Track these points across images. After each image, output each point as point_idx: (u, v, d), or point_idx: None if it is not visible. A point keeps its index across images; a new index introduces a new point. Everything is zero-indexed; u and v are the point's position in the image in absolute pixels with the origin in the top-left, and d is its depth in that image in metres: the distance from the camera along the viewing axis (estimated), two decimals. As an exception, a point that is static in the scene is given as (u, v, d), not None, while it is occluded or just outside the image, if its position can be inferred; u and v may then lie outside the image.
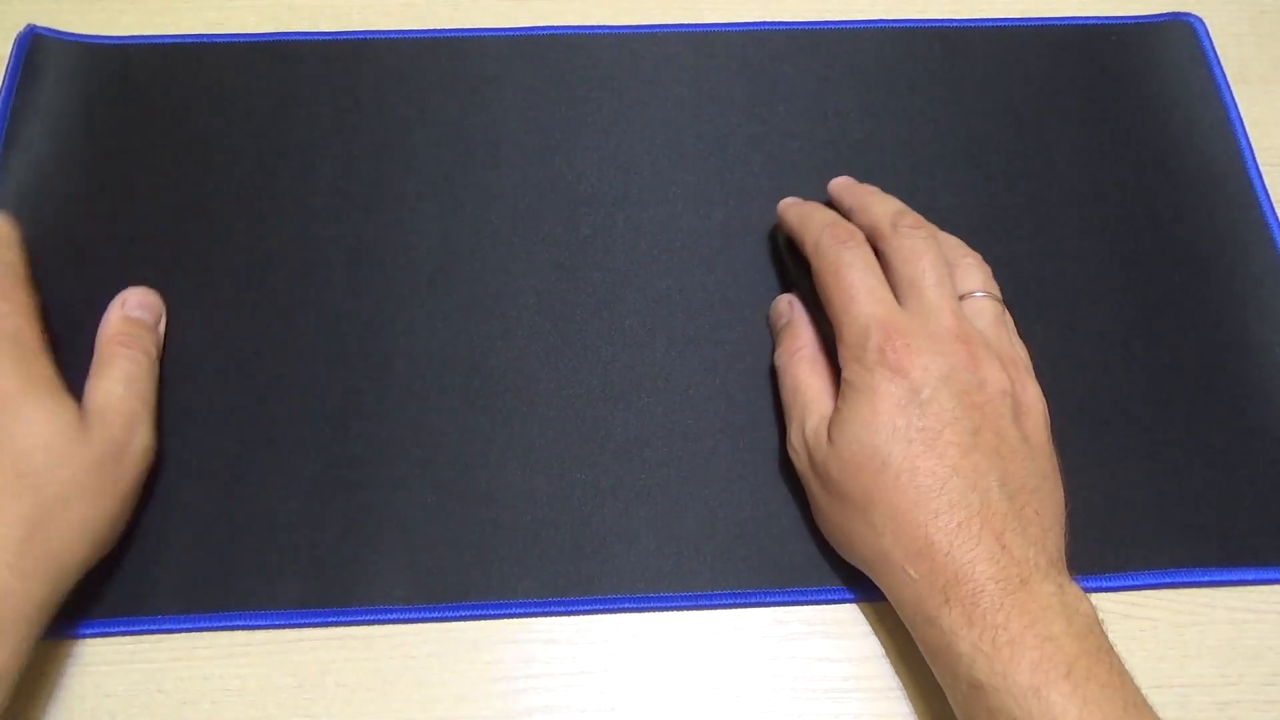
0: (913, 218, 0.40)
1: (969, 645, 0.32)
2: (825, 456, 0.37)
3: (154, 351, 0.41)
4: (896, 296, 0.38)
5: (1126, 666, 0.33)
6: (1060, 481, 0.37)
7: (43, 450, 0.35)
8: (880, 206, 0.41)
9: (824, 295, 0.39)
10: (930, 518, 0.34)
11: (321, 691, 0.37)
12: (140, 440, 0.38)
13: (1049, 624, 0.32)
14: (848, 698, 0.37)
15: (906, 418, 0.35)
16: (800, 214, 0.42)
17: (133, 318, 0.41)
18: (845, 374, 0.37)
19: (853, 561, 0.38)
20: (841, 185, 0.44)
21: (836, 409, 0.37)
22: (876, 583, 0.36)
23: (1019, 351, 0.39)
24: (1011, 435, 0.36)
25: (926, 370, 0.35)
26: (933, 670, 0.35)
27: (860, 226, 0.40)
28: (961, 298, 0.39)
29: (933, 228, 0.40)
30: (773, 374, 0.42)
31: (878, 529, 0.35)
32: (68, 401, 0.37)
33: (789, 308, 0.42)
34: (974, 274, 0.40)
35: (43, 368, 0.37)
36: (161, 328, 0.42)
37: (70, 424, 0.36)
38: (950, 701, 0.34)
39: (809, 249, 0.40)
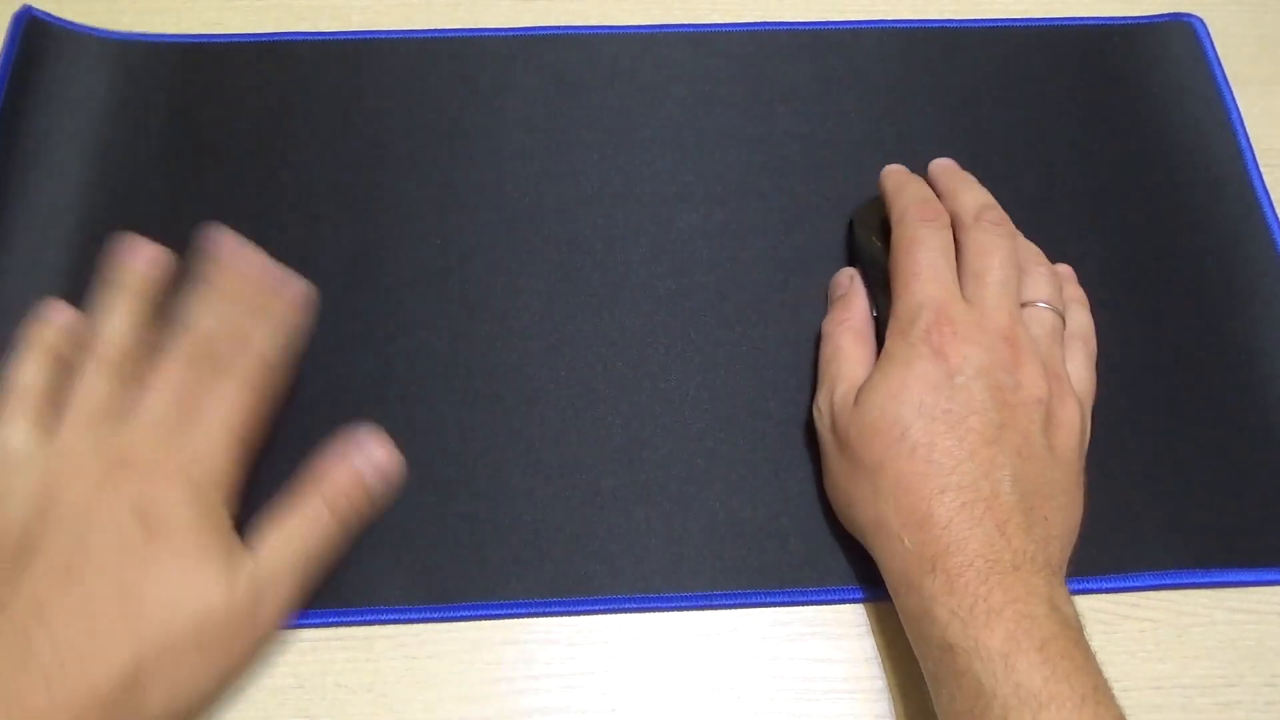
0: (996, 214, 0.40)
1: (946, 611, 0.32)
2: (848, 420, 0.37)
3: (355, 523, 0.36)
4: (961, 286, 0.38)
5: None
6: (1080, 502, 0.36)
7: (174, 590, 0.31)
8: (968, 196, 0.41)
9: (893, 265, 0.39)
10: (936, 492, 0.34)
11: (321, 692, 0.37)
12: (280, 614, 0.34)
13: (1031, 605, 0.32)
14: (848, 698, 0.37)
15: (935, 397, 0.35)
16: (898, 182, 0.42)
17: (363, 479, 0.36)
18: (887, 345, 0.37)
19: (850, 526, 0.38)
20: (940, 167, 0.44)
21: (869, 377, 0.37)
22: (869, 548, 0.37)
23: (1073, 370, 0.39)
24: (1037, 441, 0.35)
25: (966, 359, 0.36)
26: (909, 639, 0.35)
27: (946, 212, 0.41)
28: (1025, 304, 0.39)
29: (1014, 228, 0.40)
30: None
31: (881, 494, 0.35)
32: (230, 541, 0.33)
33: (849, 281, 0.42)
34: (1042, 284, 0.40)
35: (222, 509, 0.34)
36: (383, 498, 0.37)
37: (220, 570, 0.32)
38: (922, 670, 0.34)
39: (894, 217, 0.41)
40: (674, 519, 0.40)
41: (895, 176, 0.43)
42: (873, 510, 0.36)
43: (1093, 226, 0.46)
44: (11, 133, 0.45)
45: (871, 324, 0.40)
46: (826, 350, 0.40)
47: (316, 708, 0.36)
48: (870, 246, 0.43)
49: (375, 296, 0.43)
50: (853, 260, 0.44)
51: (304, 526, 0.34)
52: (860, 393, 0.37)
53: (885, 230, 0.42)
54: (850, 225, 0.45)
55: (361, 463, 0.36)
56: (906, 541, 0.34)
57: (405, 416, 0.41)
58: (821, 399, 0.39)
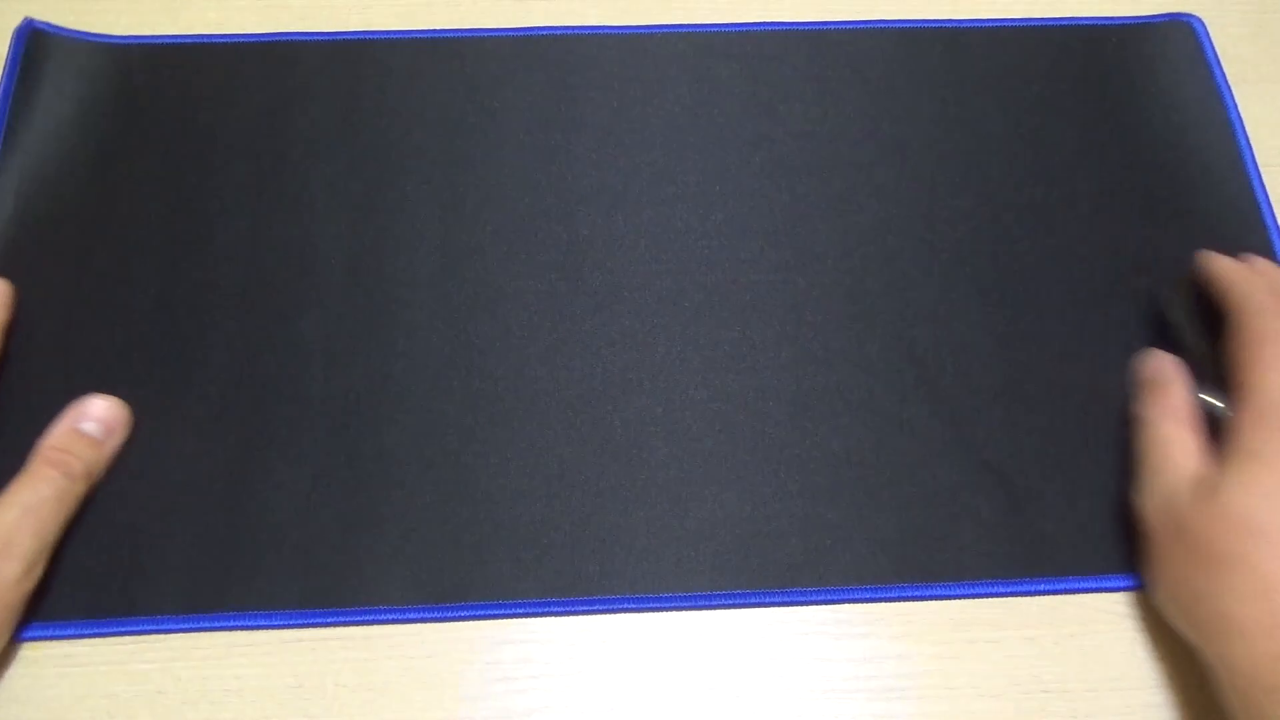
0: None
1: None
2: (1192, 511, 0.36)
3: (86, 473, 0.38)
4: None
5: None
6: None
7: None
8: None
9: (1241, 355, 0.38)
10: None
11: (321, 691, 0.37)
12: (11, 573, 0.35)
13: None
14: (848, 698, 0.37)
15: None
16: (1234, 270, 0.41)
17: (79, 431, 0.39)
18: (1240, 438, 0.36)
19: (1178, 617, 0.37)
20: (1264, 263, 0.42)
21: (1221, 468, 0.36)
22: (1199, 643, 0.36)
23: None
24: None
25: None
26: None
27: None
28: None
29: None
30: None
31: (1235, 592, 0.34)
32: None
33: (1170, 367, 0.41)
34: None
35: None
36: (115, 442, 0.40)
37: None
38: None
39: (1236, 305, 0.39)
40: (673, 519, 0.40)
41: (1225, 263, 0.42)
42: (1217, 606, 0.34)
43: (1093, 225, 0.46)
44: (16, 140, 0.45)
45: (1196, 412, 0.39)
46: (1154, 436, 0.39)
47: (316, 708, 0.37)
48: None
49: (375, 296, 0.43)
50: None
51: (25, 487, 0.37)
52: (1212, 485, 0.36)
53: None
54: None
55: (75, 418, 0.40)
56: (1263, 643, 0.33)
57: (405, 417, 0.41)
58: (1151, 487, 0.38)
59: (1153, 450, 0.39)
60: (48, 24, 0.48)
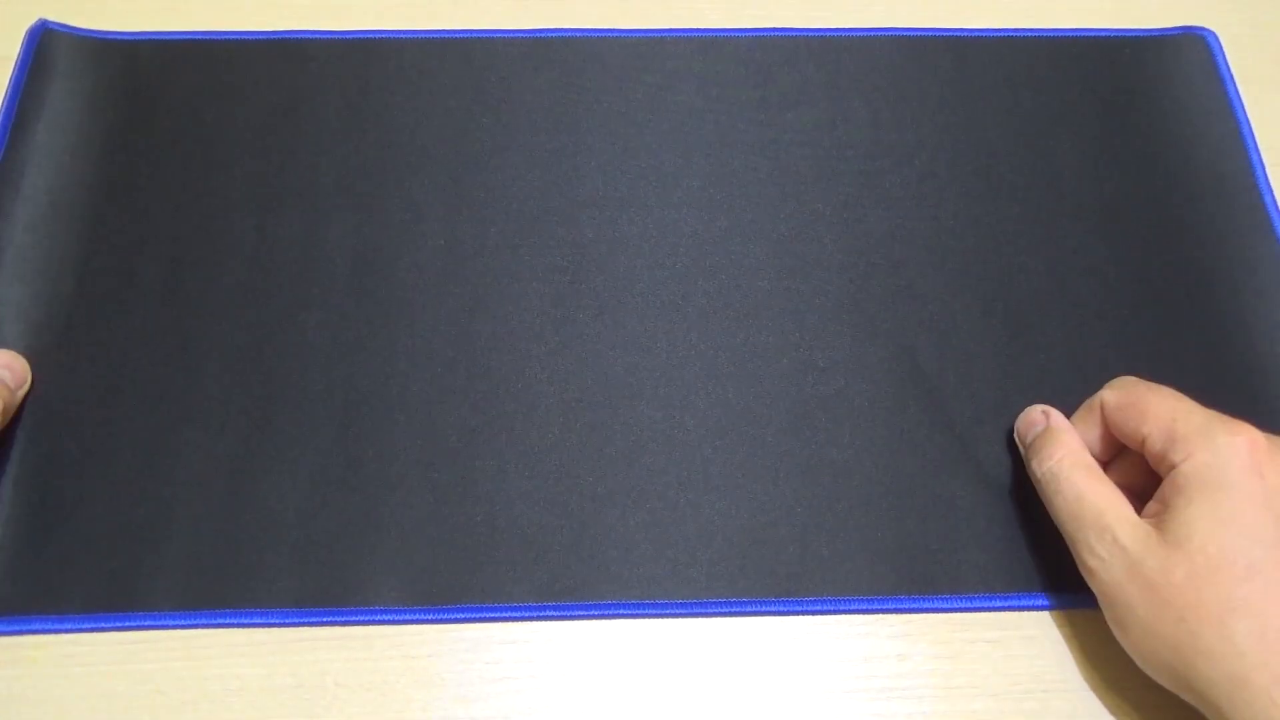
0: None
1: None
2: (1161, 562, 0.33)
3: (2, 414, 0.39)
4: None
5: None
6: None
7: None
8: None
9: (1134, 411, 0.36)
10: None
11: (321, 691, 0.37)
12: None
13: None
14: (848, 699, 0.37)
15: (1271, 520, 0.32)
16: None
17: None
18: (1184, 468, 0.34)
19: (1176, 681, 0.33)
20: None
21: (1172, 507, 0.33)
22: (1208, 705, 0.32)
23: None
24: None
25: None
26: None
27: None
28: None
29: None
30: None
31: (1238, 646, 0.31)
32: None
33: (1044, 416, 0.39)
34: None
35: None
36: (21, 393, 0.40)
37: None
38: None
39: (1097, 402, 0.38)
40: (671, 525, 0.40)
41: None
42: (1223, 665, 0.31)
43: (1101, 239, 0.46)
44: (26, 137, 0.46)
45: (1090, 454, 0.37)
46: (1066, 494, 0.36)
47: (316, 708, 0.37)
48: None
49: (379, 296, 0.43)
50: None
51: None
52: (1172, 528, 0.33)
53: None
54: None
55: None
56: (1272, 692, 0.30)
57: (405, 417, 0.41)
58: (1099, 547, 0.34)
59: (1073, 508, 0.36)
60: (60, 24, 0.48)
